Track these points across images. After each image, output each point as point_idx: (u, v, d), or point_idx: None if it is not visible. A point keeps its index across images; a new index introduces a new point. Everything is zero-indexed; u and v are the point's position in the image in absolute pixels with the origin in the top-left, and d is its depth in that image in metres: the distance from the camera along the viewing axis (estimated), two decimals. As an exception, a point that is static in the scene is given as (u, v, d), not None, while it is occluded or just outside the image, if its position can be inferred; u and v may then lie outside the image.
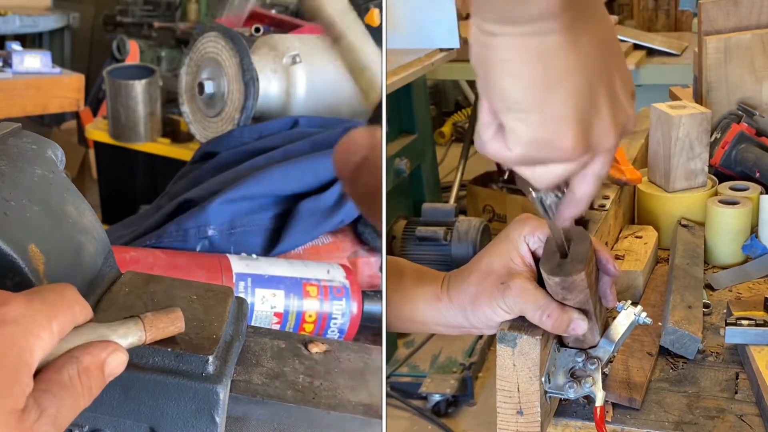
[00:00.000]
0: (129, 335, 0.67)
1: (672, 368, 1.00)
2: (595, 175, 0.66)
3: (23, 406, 0.58)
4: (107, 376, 0.63)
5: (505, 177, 3.89)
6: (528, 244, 0.83)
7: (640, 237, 1.30)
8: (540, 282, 0.82)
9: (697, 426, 0.89)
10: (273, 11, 3.47)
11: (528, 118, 0.59)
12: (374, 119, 2.16)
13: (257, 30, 2.94)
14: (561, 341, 0.86)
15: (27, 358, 0.59)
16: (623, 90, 0.63)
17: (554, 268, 0.78)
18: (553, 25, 0.56)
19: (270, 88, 2.20)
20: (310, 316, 1.37)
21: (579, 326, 0.80)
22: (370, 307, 1.41)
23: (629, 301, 0.86)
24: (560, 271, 0.78)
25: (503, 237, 0.84)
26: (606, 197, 1.27)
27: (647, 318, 0.85)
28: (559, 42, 0.57)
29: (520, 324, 0.82)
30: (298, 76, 2.21)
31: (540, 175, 0.65)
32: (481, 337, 2.88)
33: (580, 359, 0.84)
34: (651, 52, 3.35)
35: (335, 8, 0.64)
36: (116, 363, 0.64)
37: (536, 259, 0.83)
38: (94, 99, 3.97)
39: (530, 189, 0.69)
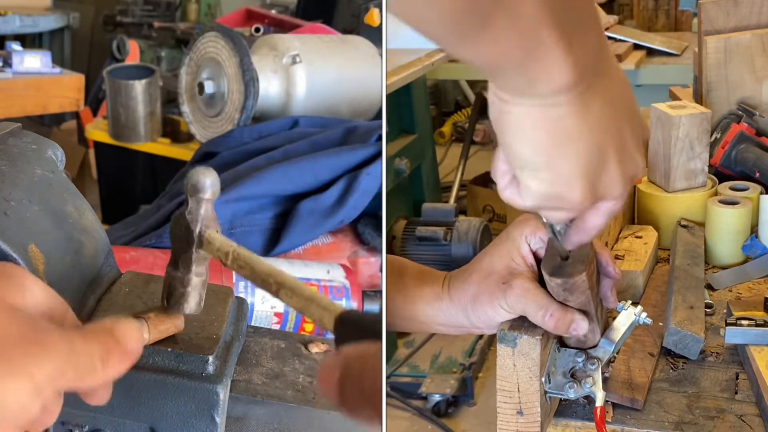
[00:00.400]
0: None
1: (672, 368, 1.00)
2: (608, 212, 0.69)
3: (14, 302, 0.57)
4: (122, 339, 0.62)
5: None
6: (529, 245, 0.83)
7: (640, 237, 1.30)
8: (541, 282, 0.82)
9: (697, 426, 0.89)
10: (273, 11, 3.48)
11: (539, 175, 0.63)
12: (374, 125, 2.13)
13: (257, 30, 2.94)
14: (561, 341, 0.86)
15: (16, 277, 0.59)
16: (633, 140, 0.66)
17: (555, 269, 0.78)
18: (564, 98, 0.59)
19: (270, 88, 2.20)
20: (310, 316, 1.37)
21: (580, 327, 0.81)
22: (370, 307, 1.41)
23: (629, 302, 0.86)
24: (561, 272, 0.78)
25: (504, 237, 0.85)
26: (606, 197, 1.27)
27: (647, 318, 0.85)
28: (569, 111, 0.60)
29: (520, 324, 0.82)
30: (298, 76, 2.22)
31: (551, 216, 0.70)
32: (481, 337, 2.88)
33: (580, 359, 0.84)
34: (651, 52, 3.35)
35: (267, 267, 0.70)
36: (127, 327, 0.63)
37: (537, 260, 0.83)
38: (94, 99, 3.96)
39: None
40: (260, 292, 1.36)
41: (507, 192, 0.67)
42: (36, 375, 0.53)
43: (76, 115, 3.84)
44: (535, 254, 0.84)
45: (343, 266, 1.46)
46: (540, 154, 0.62)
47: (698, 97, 1.60)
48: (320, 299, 0.65)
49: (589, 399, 0.87)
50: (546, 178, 0.63)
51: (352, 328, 0.61)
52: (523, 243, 0.83)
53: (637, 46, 3.35)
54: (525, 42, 0.55)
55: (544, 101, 0.60)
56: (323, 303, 0.64)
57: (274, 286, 0.68)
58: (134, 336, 0.62)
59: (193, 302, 0.73)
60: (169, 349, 0.72)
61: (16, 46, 3.35)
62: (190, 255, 0.72)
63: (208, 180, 0.72)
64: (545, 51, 0.56)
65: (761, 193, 1.33)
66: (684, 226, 1.31)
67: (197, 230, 0.72)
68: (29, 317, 0.57)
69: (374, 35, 2.58)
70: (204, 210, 0.72)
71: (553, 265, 0.79)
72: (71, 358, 0.56)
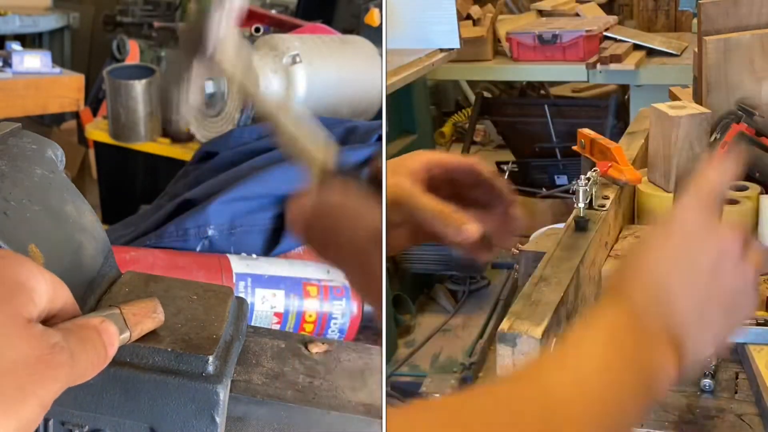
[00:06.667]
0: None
1: (672, 368, 1.00)
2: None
3: (29, 316, 0.56)
4: (108, 342, 0.62)
5: (505, 177, 3.86)
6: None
7: (640, 237, 1.29)
8: None
9: (697, 426, 0.89)
10: (273, 11, 3.48)
11: None
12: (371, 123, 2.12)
13: (257, 30, 2.94)
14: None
15: (25, 282, 0.57)
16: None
17: None
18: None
19: (270, 88, 2.20)
20: (310, 316, 1.37)
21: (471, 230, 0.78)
22: (371, 307, 1.41)
23: (629, 301, 0.86)
24: None
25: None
26: (606, 197, 1.27)
27: (647, 318, 0.85)
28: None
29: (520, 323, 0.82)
30: (298, 76, 2.22)
31: None
32: (481, 336, 2.88)
33: (580, 359, 0.84)
34: (651, 52, 3.35)
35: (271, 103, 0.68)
36: (112, 330, 0.63)
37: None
38: (94, 99, 3.96)
39: None
40: (260, 292, 1.36)
41: None
42: (45, 397, 0.55)
43: (76, 115, 3.84)
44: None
45: (343, 266, 1.46)
46: None
47: (698, 98, 1.60)
48: (312, 150, 0.63)
49: (589, 399, 0.87)
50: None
51: (337, 184, 0.59)
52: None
53: (637, 46, 3.35)
54: None
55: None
56: (313, 153, 0.63)
57: (272, 123, 0.66)
58: (116, 341, 0.63)
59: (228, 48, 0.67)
60: (169, 349, 0.72)
61: (16, 46, 3.35)
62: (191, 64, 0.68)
63: None
64: None
65: (761, 193, 1.33)
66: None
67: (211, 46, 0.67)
68: (41, 334, 0.57)
69: (374, 35, 2.58)
70: (225, 23, 0.67)
71: None
72: (73, 372, 0.58)
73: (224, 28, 0.67)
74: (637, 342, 0.63)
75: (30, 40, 4.68)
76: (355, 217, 0.54)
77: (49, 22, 4.77)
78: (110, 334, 0.62)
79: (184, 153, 2.63)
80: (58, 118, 4.21)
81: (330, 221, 0.55)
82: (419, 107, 3.18)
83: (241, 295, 1.32)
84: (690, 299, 0.65)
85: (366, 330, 1.41)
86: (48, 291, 0.60)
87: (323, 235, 0.55)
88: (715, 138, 1.46)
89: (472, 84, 4.73)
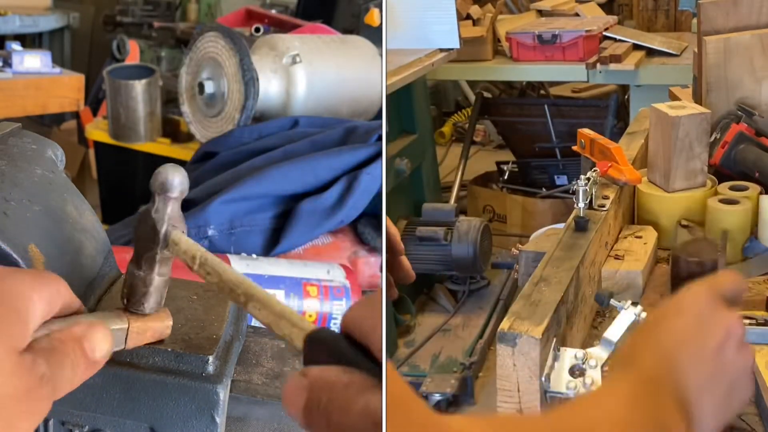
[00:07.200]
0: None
1: (672, 368, 1.00)
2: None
3: (22, 345, 0.57)
4: (89, 351, 0.62)
5: (506, 177, 3.83)
6: None
7: (640, 237, 1.30)
8: None
9: (697, 426, 0.89)
10: (273, 11, 3.48)
11: None
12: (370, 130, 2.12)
13: (257, 30, 2.94)
14: (562, 342, 0.87)
15: (20, 308, 0.58)
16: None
17: None
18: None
19: (270, 88, 2.20)
20: (311, 316, 1.38)
21: None
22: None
23: (629, 301, 0.86)
24: None
25: None
26: (606, 197, 1.27)
27: (647, 318, 0.85)
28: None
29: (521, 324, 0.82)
30: (298, 76, 2.21)
31: None
32: (481, 336, 2.88)
33: (580, 358, 0.85)
34: (651, 52, 3.35)
35: (236, 276, 0.66)
36: (98, 337, 0.62)
37: None
38: (94, 99, 3.96)
39: None
40: (260, 292, 1.36)
41: None
42: (29, 430, 0.56)
43: (76, 115, 3.84)
44: None
45: (343, 266, 1.46)
46: None
47: (698, 98, 1.60)
48: (291, 315, 0.61)
49: (589, 399, 0.87)
50: None
51: (323, 350, 0.57)
52: None
53: (636, 46, 3.35)
54: None
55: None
56: (293, 319, 0.60)
57: (243, 297, 0.64)
58: (104, 348, 0.63)
59: (153, 302, 0.71)
60: (169, 349, 0.72)
61: (16, 46, 3.35)
62: (153, 255, 0.70)
63: (176, 178, 0.70)
64: None
65: (761, 193, 1.34)
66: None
67: (163, 230, 0.69)
68: (30, 366, 0.57)
69: (374, 35, 2.58)
70: (171, 209, 0.70)
71: None
72: (54, 397, 0.58)
73: (173, 219, 0.70)
74: (651, 406, 0.68)
75: (30, 40, 4.68)
76: (346, 397, 0.52)
77: (49, 22, 4.77)
78: (94, 342, 0.62)
79: (184, 153, 2.63)
80: (58, 118, 4.21)
81: (324, 400, 0.53)
82: (419, 107, 3.18)
83: (241, 295, 1.32)
84: (696, 374, 0.70)
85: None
86: (43, 309, 0.60)
87: (322, 420, 0.53)
88: (715, 138, 1.46)
89: (472, 84, 4.73)
